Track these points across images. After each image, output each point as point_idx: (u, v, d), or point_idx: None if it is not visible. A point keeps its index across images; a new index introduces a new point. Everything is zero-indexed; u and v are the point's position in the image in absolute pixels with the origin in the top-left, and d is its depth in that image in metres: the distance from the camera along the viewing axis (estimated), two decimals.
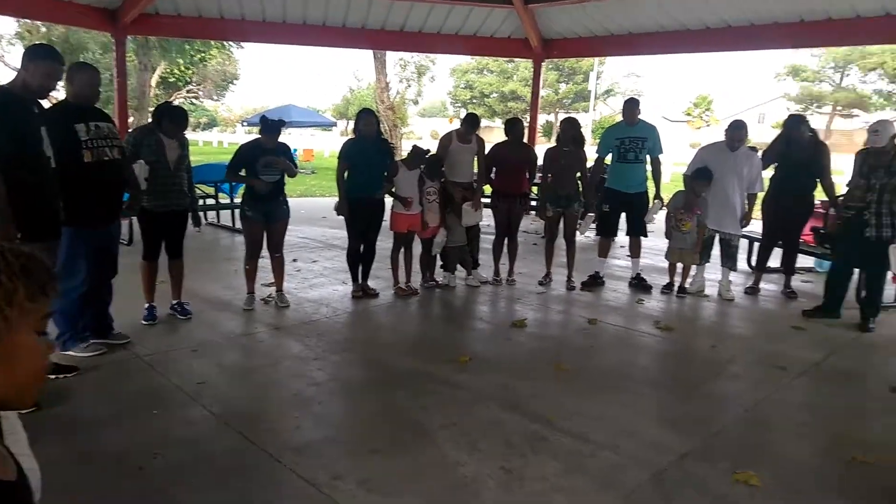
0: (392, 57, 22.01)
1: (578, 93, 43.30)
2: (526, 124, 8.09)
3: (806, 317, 5.19)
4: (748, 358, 4.34)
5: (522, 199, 6.00)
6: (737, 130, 5.63)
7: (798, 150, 5.59)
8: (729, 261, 5.74)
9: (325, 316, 4.87)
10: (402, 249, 5.50)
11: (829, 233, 5.73)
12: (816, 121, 41.95)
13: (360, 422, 3.24)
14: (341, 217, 5.27)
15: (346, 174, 5.20)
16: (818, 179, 5.67)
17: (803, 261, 6.42)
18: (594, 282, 6.01)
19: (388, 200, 5.38)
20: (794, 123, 5.71)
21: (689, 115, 49.38)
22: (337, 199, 5.26)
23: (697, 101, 49.54)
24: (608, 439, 3.06)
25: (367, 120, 5.18)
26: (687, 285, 5.84)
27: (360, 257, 5.38)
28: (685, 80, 74.01)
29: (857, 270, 5.23)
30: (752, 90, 61.70)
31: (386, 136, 14.60)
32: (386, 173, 5.30)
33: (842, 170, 10.05)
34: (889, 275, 5.04)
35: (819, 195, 5.87)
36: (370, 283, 5.51)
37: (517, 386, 3.65)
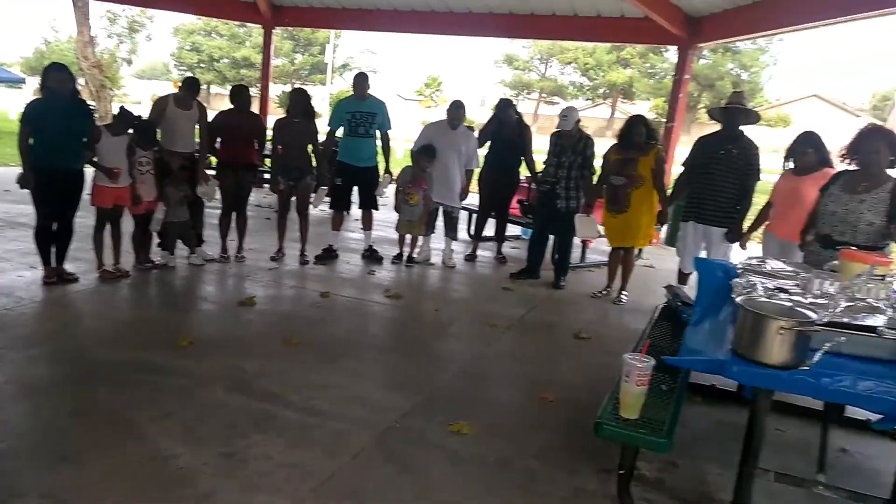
0: (98, 8, 19.15)
1: (315, 65, 42.73)
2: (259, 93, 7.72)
3: (513, 278, 5.88)
4: (466, 318, 4.77)
5: (251, 170, 5.72)
6: (456, 110, 6.06)
7: (507, 130, 6.24)
8: (451, 231, 6.20)
9: (5, 307, 4.09)
10: (109, 227, 4.86)
11: (531, 204, 6.53)
12: (526, 106, 47.65)
13: (48, 427, 2.78)
14: (27, 190, 4.45)
15: (30, 140, 4.39)
16: (522, 157, 6.40)
17: (512, 229, 7.24)
18: (328, 255, 6.04)
19: (90, 171, 4.69)
20: (503, 107, 6.35)
21: (420, 94, 52.14)
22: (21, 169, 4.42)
23: (429, 81, 52.49)
24: (335, 408, 3.11)
25: (58, 77, 4.42)
26: (415, 255, 6.18)
27: (52, 236, 4.61)
28: (419, 60, 77.87)
29: (552, 237, 6.05)
30: (477, 75, 67.22)
31: (87, 98, 12.74)
32: (85, 139, 4.60)
33: (545, 150, 11.51)
34: (576, 240, 5.95)
35: (524, 171, 6.64)
36: (67, 266, 4.77)
37: (244, 366, 3.50)
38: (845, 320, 2.36)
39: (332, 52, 39.13)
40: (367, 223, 6.17)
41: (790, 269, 3.12)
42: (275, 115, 7.24)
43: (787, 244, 4.12)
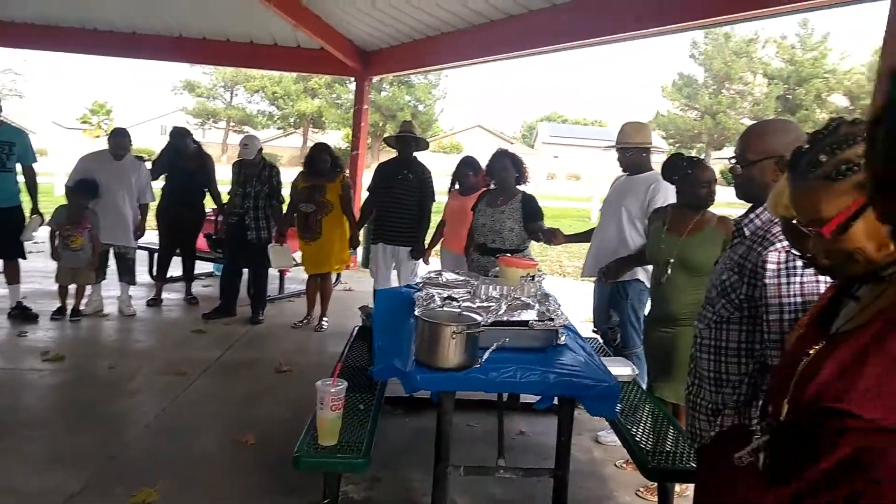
0: None
1: None
2: None
3: (206, 319, 5.44)
4: (150, 371, 4.24)
5: None
6: (120, 138, 5.41)
7: (185, 161, 5.79)
8: (127, 275, 5.50)
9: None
10: None
11: (219, 237, 6.15)
12: (214, 135, 45.54)
13: None
14: None
15: None
16: (206, 188, 6.00)
17: (203, 266, 6.74)
18: None
19: None
20: (179, 135, 5.88)
21: (86, 122, 46.13)
22: None
23: (95, 107, 46.75)
24: None
25: None
26: (82, 307, 5.32)
27: None
28: (81, 84, 68.68)
29: (246, 270, 5.77)
30: (154, 101, 61.77)
31: None
32: None
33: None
34: (272, 270, 5.77)
35: (210, 203, 6.22)
36: None
37: None
38: (505, 318, 2.68)
39: None
40: (12, 276, 5.12)
41: (462, 278, 3.45)
42: None
43: (460, 257, 4.57)
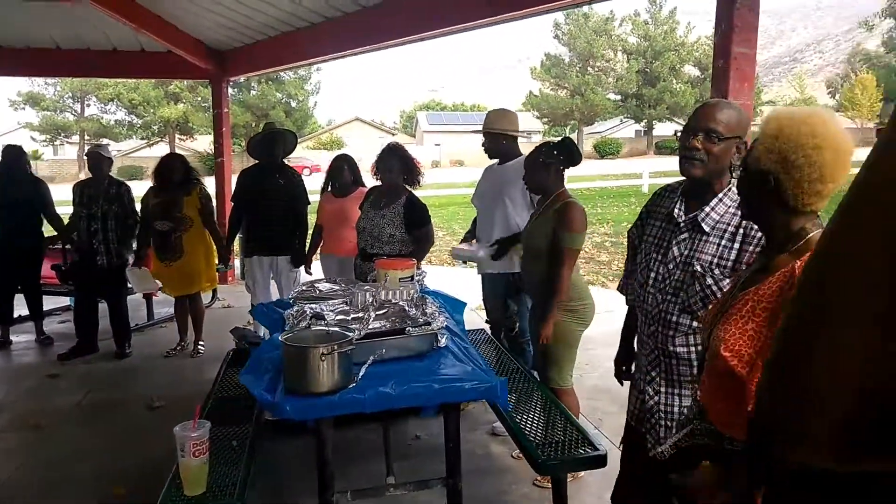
0: None
1: None
2: None
3: (63, 360, 4.89)
4: None
5: None
6: None
7: (18, 186, 5.14)
8: None
9: None
10: None
11: (68, 268, 5.54)
12: (68, 150, 41.67)
13: None
14: None
15: None
16: (42, 214, 5.35)
17: (55, 301, 6.08)
18: None
19: None
20: (15, 156, 5.21)
21: None
22: None
23: None
24: None
25: None
26: None
27: None
28: None
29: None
30: None
31: None
32: None
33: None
34: (136, 296, 5.27)
35: (50, 231, 5.57)
36: None
37: None
38: (381, 328, 2.54)
39: None
40: None
41: (341, 287, 3.27)
42: None
43: (346, 260, 4.33)
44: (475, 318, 4.97)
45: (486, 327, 4.04)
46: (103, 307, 5.13)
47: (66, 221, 5.28)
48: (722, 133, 1.68)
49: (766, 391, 0.57)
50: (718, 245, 1.69)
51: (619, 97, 42.33)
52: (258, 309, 3.45)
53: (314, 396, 2.14)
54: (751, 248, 1.66)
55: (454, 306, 3.18)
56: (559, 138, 3.16)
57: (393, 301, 2.77)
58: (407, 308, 2.68)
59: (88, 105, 40.13)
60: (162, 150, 42.38)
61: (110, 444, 3.55)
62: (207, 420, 2.23)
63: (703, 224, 1.72)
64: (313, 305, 2.84)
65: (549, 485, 2.69)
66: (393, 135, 53.81)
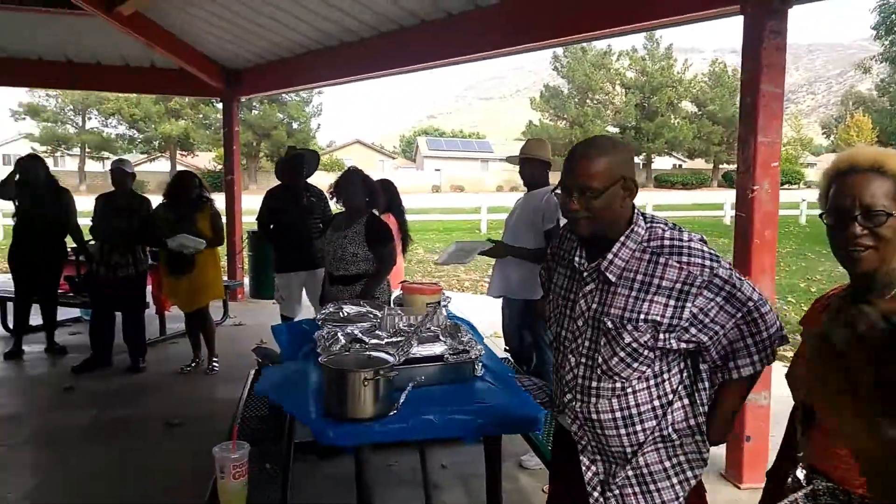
0: None
1: None
2: None
3: (77, 373, 4.88)
4: (14, 440, 3.73)
5: None
6: None
7: (42, 194, 5.17)
8: None
9: None
10: None
11: (83, 280, 5.55)
12: (69, 162, 41.62)
13: None
14: None
15: None
16: (64, 225, 5.37)
17: (69, 312, 6.08)
18: None
19: None
20: (32, 167, 5.23)
21: None
22: None
23: None
24: None
25: None
26: None
27: None
28: None
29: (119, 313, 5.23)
30: None
31: None
32: None
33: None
34: (150, 310, 5.27)
35: (69, 242, 5.59)
36: None
37: None
38: (417, 354, 2.57)
39: None
40: None
41: (363, 310, 3.29)
42: None
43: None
44: (491, 345, 5.00)
45: (506, 354, 4.07)
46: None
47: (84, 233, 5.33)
48: (598, 188, 1.50)
49: None
50: (627, 297, 1.50)
51: (617, 129, 42.90)
52: (277, 328, 3.45)
53: (356, 422, 2.15)
54: (664, 300, 1.48)
55: (475, 334, 3.21)
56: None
57: (427, 326, 2.80)
58: (441, 334, 2.71)
59: (89, 118, 40.20)
60: (163, 165, 42.47)
61: (132, 463, 3.53)
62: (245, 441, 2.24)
63: (607, 274, 1.53)
64: (341, 327, 2.86)
65: None
66: (393, 158, 54.18)
